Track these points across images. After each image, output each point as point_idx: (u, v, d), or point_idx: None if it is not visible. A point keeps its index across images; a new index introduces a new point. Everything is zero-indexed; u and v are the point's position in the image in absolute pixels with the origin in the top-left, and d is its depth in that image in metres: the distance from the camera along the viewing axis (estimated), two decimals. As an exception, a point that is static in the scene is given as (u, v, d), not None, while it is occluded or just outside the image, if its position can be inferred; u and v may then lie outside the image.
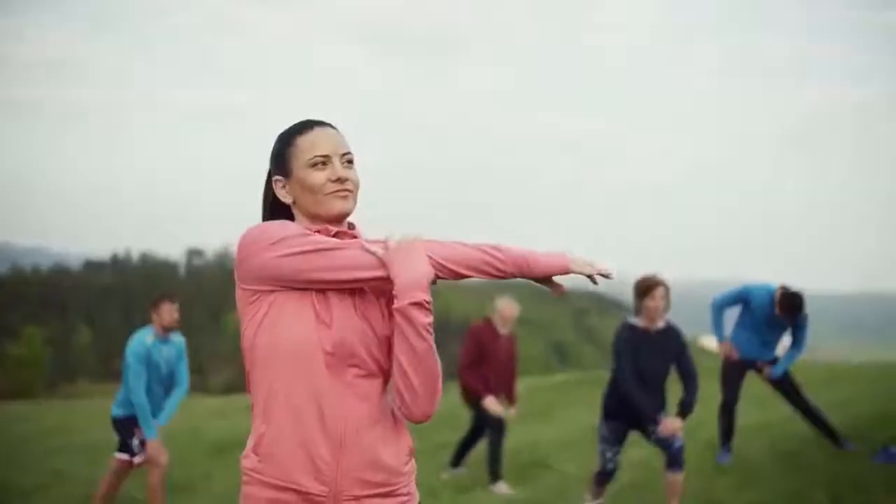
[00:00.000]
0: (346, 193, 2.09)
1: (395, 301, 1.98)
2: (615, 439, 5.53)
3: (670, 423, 5.26)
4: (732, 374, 6.95)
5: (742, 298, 6.89)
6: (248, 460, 2.07)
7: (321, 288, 2.02)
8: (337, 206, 2.09)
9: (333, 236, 2.09)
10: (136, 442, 6.09)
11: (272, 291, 2.02)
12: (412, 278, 1.98)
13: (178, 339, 6.32)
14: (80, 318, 66.82)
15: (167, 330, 6.17)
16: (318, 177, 2.07)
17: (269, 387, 2.03)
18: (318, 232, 2.08)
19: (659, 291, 5.32)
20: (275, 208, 2.18)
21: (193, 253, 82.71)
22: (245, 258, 2.04)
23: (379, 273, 2.01)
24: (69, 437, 12.08)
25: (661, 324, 5.42)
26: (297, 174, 2.10)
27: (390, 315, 2.06)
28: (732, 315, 6.97)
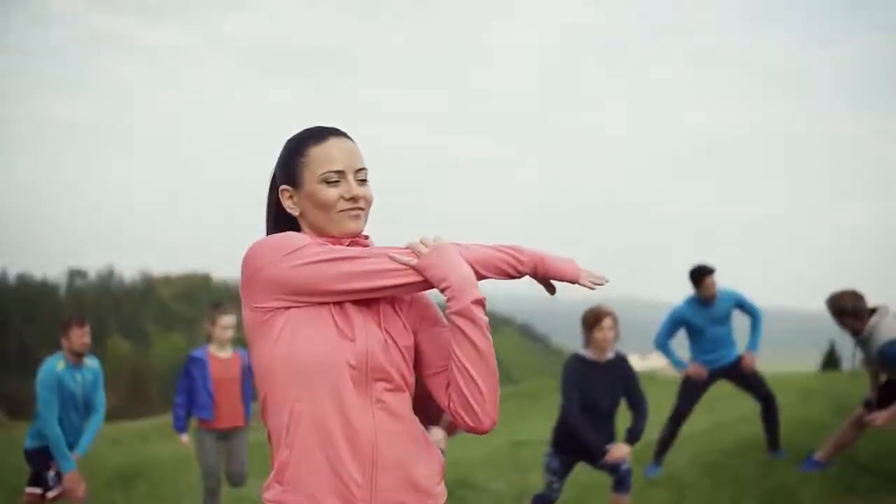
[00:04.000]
0: (359, 212, 1.98)
1: (453, 304, 1.87)
2: (563, 471, 5.46)
3: (617, 451, 5.19)
4: (695, 386, 6.98)
5: (676, 321, 6.95)
6: (270, 492, 1.92)
7: (347, 299, 1.89)
8: (349, 226, 1.98)
9: (348, 246, 1.98)
10: (51, 474, 5.76)
11: (287, 308, 1.87)
12: (464, 277, 1.88)
13: (92, 363, 5.98)
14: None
15: (79, 355, 5.81)
16: (332, 194, 1.95)
17: (290, 409, 1.88)
18: (332, 243, 1.96)
19: (607, 322, 5.22)
20: (279, 218, 2.05)
21: (75, 273, 79.72)
22: (255, 272, 1.89)
23: (413, 279, 1.90)
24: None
25: (609, 354, 5.34)
26: (308, 188, 1.97)
27: (410, 325, 1.99)
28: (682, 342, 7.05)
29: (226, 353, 6.69)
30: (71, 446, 5.79)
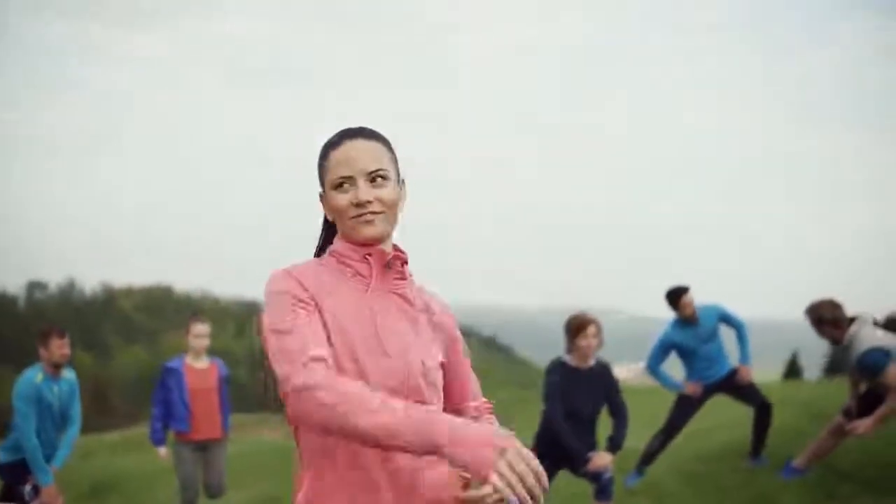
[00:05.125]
0: (371, 217, 1.87)
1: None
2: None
3: (599, 459, 5.23)
4: (690, 402, 7.02)
5: (665, 346, 7.00)
6: None
7: None
8: (363, 232, 1.88)
9: (365, 258, 1.91)
10: (27, 489, 5.64)
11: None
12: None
13: (69, 375, 5.89)
14: None
15: (57, 366, 5.72)
16: (341, 200, 1.88)
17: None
18: (353, 261, 1.91)
19: (591, 329, 5.28)
20: (327, 224, 2.04)
21: (34, 286, 78.46)
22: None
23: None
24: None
25: (591, 362, 5.39)
26: (327, 193, 1.93)
27: (440, 348, 1.95)
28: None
29: (202, 364, 6.62)
30: (48, 459, 5.69)
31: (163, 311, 77.17)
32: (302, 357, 1.71)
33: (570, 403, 5.29)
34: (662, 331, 7.06)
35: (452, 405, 1.99)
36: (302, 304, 1.80)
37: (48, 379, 5.69)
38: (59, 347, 5.69)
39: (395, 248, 1.97)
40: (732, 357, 7.05)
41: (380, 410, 1.61)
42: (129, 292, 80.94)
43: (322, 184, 1.95)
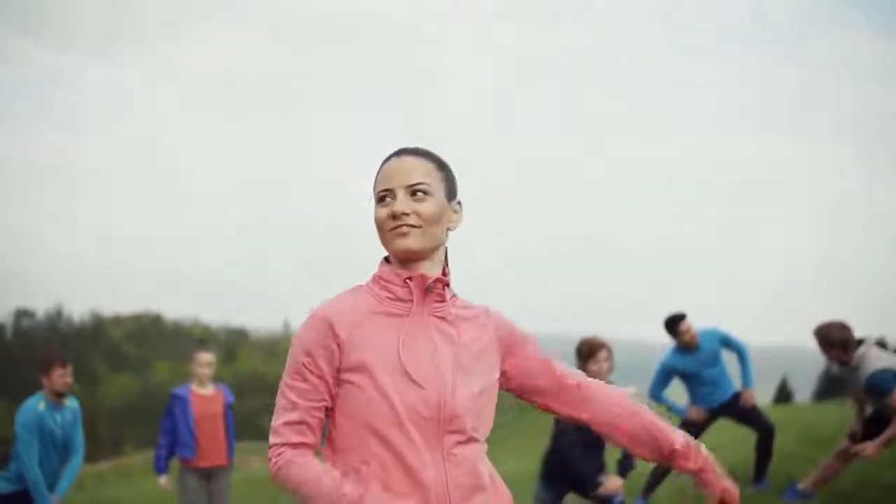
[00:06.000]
0: (406, 230, 1.85)
1: None
2: (553, 502, 5.47)
3: (611, 483, 5.22)
4: (694, 427, 7.00)
5: (667, 373, 7.04)
6: None
7: None
8: (396, 244, 1.87)
9: (406, 282, 1.90)
10: (30, 519, 5.56)
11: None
12: None
13: (72, 403, 5.86)
14: None
15: (60, 395, 5.71)
16: (381, 213, 1.89)
17: (360, 456, 1.83)
18: (394, 286, 1.91)
19: (602, 353, 5.30)
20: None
21: (22, 314, 77.95)
22: None
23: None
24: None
25: None
26: (374, 207, 1.94)
27: (497, 357, 1.96)
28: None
29: (207, 390, 6.62)
30: (50, 488, 5.66)
31: (151, 339, 76.72)
32: (285, 437, 1.85)
33: (581, 427, 5.29)
34: (662, 357, 7.09)
35: (552, 394, 2.06)
36: (311, 370, 1.86)
37: (50, 407, 5.67)
38: (62, 377, 5.67)
39: (444, 268, 1.96)
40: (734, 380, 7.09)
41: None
42: (117, 320, 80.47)
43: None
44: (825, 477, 6.31)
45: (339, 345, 1.83)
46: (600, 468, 5.33)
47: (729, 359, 7.11)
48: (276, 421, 1.86)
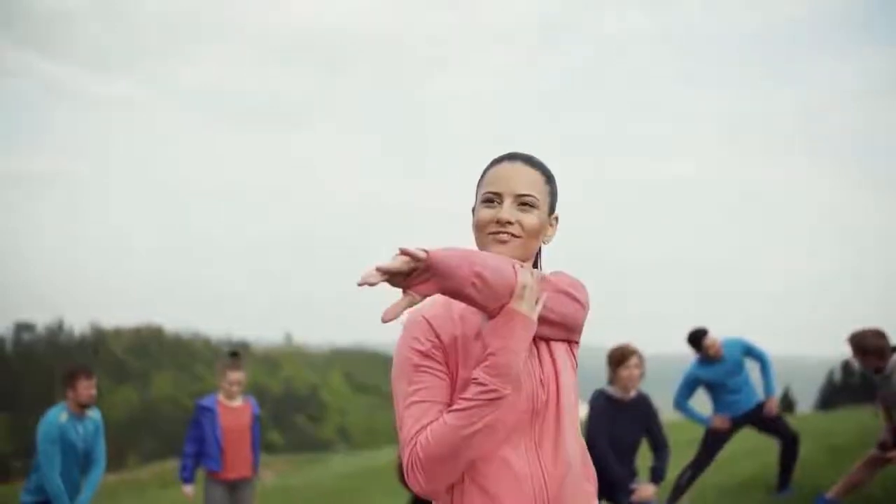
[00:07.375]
0: (507, 237, 1.86)
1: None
2: None
3: (644, 490, 5.25)
4: (718, 437, 7.08)
5: (691, 383, 7.07)
6: None
7: None
8: (493, 249, 1.86)
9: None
10: (52, 532, 5.56)
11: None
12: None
13: (95, 415, 5.86)
14: None
15: (83, 407, 5.72)
16: (484, 214, 1.89)
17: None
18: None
19: (633, 360, 5.35)
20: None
21: (22, 327, 77.79)
22: None
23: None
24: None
25: (633, 393, 5.44)
26: (476, 206, 1.93)
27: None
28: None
29: (236, 402, 6.61)
30: (71, 500, 5.66)
31: (153, 351, 76.59)
32: (410, 438, 1.74)
33: (612, 434, 5.33)
34: (687, 367, 7.13)
35: None
36: (425, 368, 1.79)
37: (73, 419, 5.67)
38: (87, 388, 5.69)
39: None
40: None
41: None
42: (118, 333, 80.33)
43: (476, 197, 1.95)
44: (854, 483, 6.31)
45: (441, 351, 1.81)
46: (632, 475, 5.36)
47: (750, 367, 7.15)
48: (400, 434, 1.77)
